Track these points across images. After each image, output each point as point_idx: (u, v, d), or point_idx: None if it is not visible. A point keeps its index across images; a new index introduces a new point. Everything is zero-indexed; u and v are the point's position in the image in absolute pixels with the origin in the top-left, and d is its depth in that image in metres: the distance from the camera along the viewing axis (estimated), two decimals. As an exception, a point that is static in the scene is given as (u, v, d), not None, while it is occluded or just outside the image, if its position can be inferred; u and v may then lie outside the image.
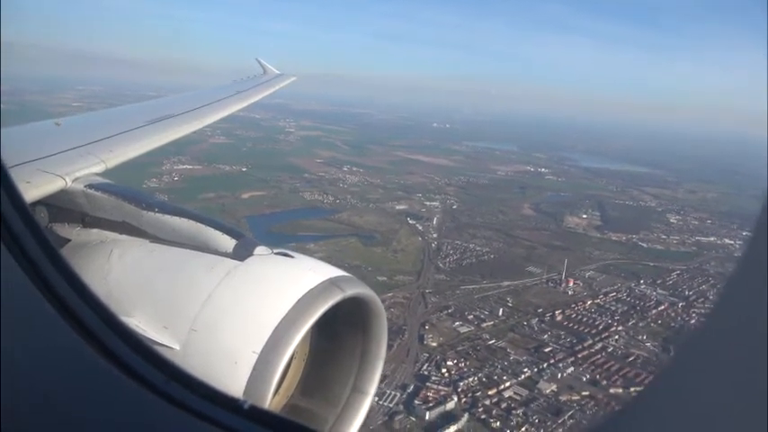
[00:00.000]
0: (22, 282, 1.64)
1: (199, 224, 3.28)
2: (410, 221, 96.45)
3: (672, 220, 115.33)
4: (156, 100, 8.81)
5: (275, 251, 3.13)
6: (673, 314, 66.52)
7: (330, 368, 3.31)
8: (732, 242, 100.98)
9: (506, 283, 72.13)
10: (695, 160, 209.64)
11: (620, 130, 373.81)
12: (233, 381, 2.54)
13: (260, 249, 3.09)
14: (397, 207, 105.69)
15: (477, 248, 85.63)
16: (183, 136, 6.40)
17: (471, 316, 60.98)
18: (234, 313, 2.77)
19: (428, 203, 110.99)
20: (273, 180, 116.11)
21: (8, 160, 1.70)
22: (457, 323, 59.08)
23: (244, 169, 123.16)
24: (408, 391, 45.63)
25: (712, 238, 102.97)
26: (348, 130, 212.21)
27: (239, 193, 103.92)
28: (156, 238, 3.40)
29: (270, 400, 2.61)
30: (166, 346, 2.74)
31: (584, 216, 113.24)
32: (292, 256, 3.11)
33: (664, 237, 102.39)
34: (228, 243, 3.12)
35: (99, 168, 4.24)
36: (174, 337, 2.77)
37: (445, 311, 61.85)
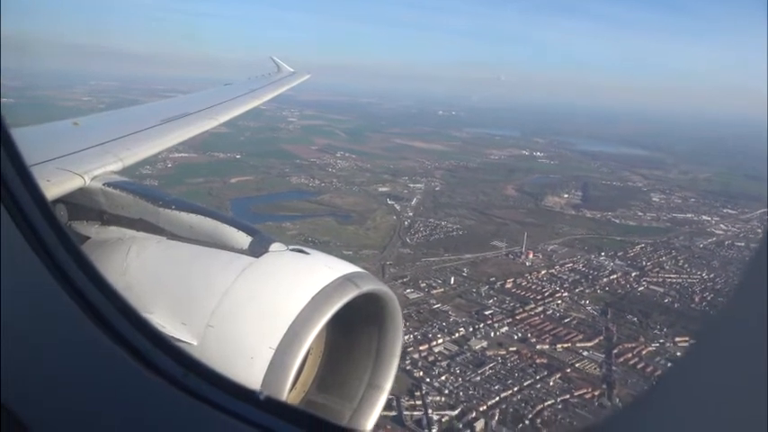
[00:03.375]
0: (44, 278, 1.68)
1: (215, 221, 3.31)
2: (389, 202, 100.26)
3: (654, 199, 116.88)
4: (172, 99, 8.97)
5: (291, 248, 3.17)
6: (623, 282, 69.34)
7: (345, 364, 3.31)
8: (709, 218, 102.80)
9: (468, 256, 75.67)
10: (698, 142, 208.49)
11: (626, 115, 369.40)
12: (249, 376, 2.56)
13: (275, 246, 3.13)
14: (381, 189, 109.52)
15: (449, 226, 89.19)
16: (198, 134, 6.50)
17: (424, 284, 64.79)
18: (250, 309, 2.78)
19: (412, 186, 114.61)
20: (264, 166, 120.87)
21: (28, 159, 1.80)
22: (408, 290, 62.96)
23: (238, 156, 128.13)
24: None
25: (690, 215, 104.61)
26: (350, 119, 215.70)
27: (228, 178, 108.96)
28: (173, 236, 3.44)
29: (286, 396, 2.62)
30: (184, 342, 2.76)
31: (566, 195, 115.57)
32: (308, 253, 3.16)
33: (640, 214, 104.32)
34: (244, 240, 3.16)
35: (116, 167, 4.29)
36: (192, 332, 2.78)
37: (400, 280, 65.74)
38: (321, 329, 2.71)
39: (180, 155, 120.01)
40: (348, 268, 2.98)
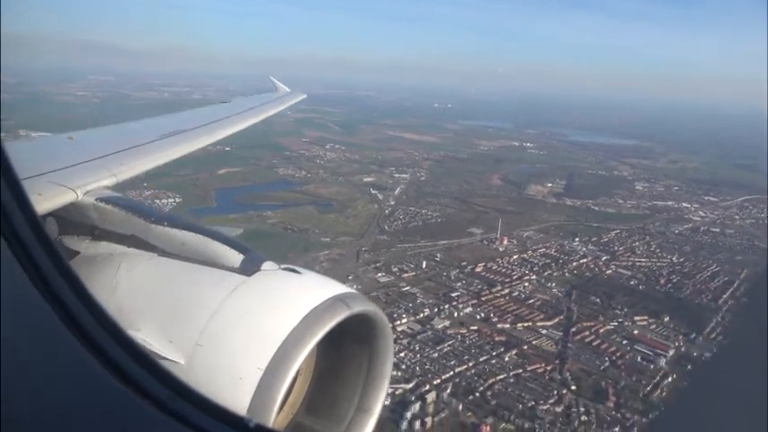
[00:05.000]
0: (30, 292, 1.64)
1: (207, 239, 3.32)
2: (372, 191, 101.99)
3: (638, 188, 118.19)
4: (168, 115, 9.14)
5: (282, 267, 3.17)
6: (592, 266, 70.97)
7: (335, 386, 3.27)
8: (689, 206, 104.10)
9: (443, 242, 77.41)
10: (691, 132, 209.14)
11: (622, 106, 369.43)
12: (237, 396, 2.53)
13: (267, 265, 3.12)
14: (366, 179, 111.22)
15: (429, 214, 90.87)
16: (194, 151, 6.49)
17: (396, 268, 66.55)
18: (240, 329, 2.77)
19: (397, 176, 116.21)
20: (253, 158, 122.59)
21: (21, 173, 1.74)
22: (380, 274, 64.77)
23: (227, 149, 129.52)
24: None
25: (670, 203, 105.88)
26: (344, 111, 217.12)
27: (216, 169, 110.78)
28: (164, 252, 3.42)
29: (274, 417, 2.58)
30: (172, 360, 2.74)
31: (549, 184, 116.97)
32: (299, 272, 3.15)
33: (621, 202, 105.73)
34: (236, 258, 3.15)
35: (110, 182, 4.28)
36: (180, 351, 2.76)
37: (373, 265, 67.57)
38: (311, 350, 2.68)
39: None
40: (339, 289, 2.97)
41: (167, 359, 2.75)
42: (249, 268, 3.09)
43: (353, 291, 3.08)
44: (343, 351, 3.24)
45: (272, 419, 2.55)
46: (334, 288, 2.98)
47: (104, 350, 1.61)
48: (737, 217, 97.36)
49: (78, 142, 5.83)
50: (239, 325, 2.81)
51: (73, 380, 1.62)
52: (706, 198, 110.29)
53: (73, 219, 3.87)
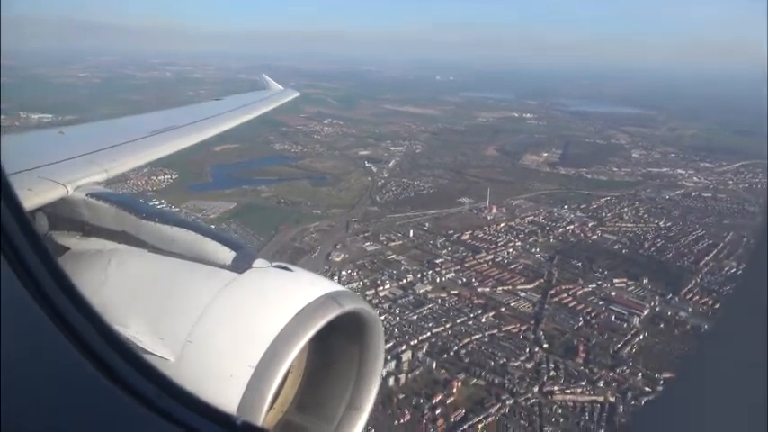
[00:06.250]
0: (17, 289, 1.63)
1: (198, 235, 3.31)
2: (367, 165, 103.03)
3: (634, 155, 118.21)
4: (159, 112, 9.33)
5: (274, 264, 3.16)
6: (578, 232, 72.01)
7: (326, 384, 3.28)
8: (683, 172, 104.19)
9: (432, 212, 78.74)
10: (693, 100, 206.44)
11: (626, 74, 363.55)
12: (228, 394, 2.53)
13: (259, 262, 3.12)
14: (361, 153, 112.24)
15: (421, 185, 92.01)
16: (185, 148, 6.60)
17: (383, 238, 68.09)
18: (230, 326, 2.78)
19: (393, 149, 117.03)
20: (250, 134, 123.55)
21: (10, 167, 1.77)
22: (368, 243, 66.34)
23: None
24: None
25: (665, 169, 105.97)
26: (344, 86, 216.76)
27: (213, 146, 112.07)
28: (155, 249, 3.42)
29: (264, 415, 2.59)
30: (161, 357, 2.74)
31: (545, 154, 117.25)
32: (291, 270, 3.14)
33: (615, 169, 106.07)
34: (227, 255, 3.14)
35: (101, 177, 4.29)
36: (170, 348, 2.76)
37: (362, 235, 69.14)
38: (302, 348, 2.68)
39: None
40: (331, 286, 2.99)
41: (157, 356, 2.75)
42: (240, 265, 3.08)
43: (345, 289, 3.09)
44: (334, 349, 3.23)
45: (262, 417, 2.56)
46: (326, 286, 2.97)
47: (91, 347, 1.61)
48: (731, 182, 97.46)
49: (70, 138, 5.87)
50: (230, 322, 2.81)
51: (60, 377, 1.63)
52: (702, 164, 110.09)
53: (63, 214, 3.85)
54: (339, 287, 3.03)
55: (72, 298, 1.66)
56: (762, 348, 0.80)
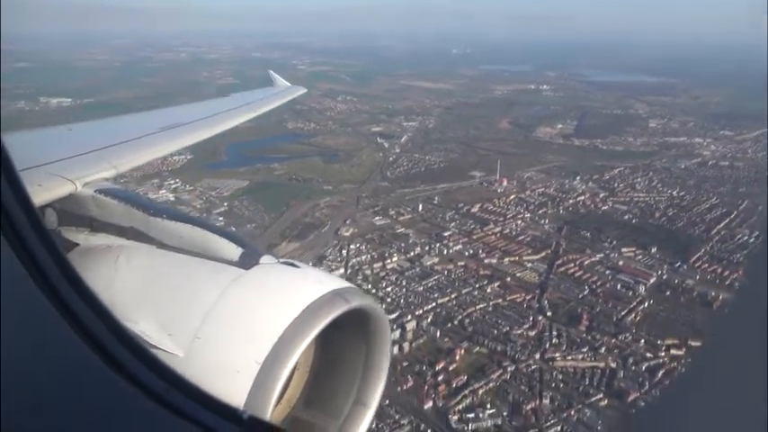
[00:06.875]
0: (26, 284, 1.63)
1: (205, 232, 3.33)
2: (379, 140, 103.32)
3: (651, 125, 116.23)
4: (167, 108, 9.41)
5: (281, 261, 3.18)
6: (588, 202, 71.73)
7: (333, 380, 3.29)
8: (701, 141, 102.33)
9: (442, 186, 79.02)
10: (720, 67, 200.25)
11: (654, 42, 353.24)
12: (235, 390, 2.55)
13: (265, 258, 3.14)
14: (374, 129, 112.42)
15: (432, 160, 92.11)
16: (193, 144, 6.74)
17: (393, 212, 68.79)
18: (238, 322, 2.80)
19: (406, 124, 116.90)
20: (263, 113, 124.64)
21: (20, 163, 1.72)
22: (377, 218, 67.14)
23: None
24: (306, 266, 54.80)
25: (682, 138, 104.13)
26: (360, 63, 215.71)
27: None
28: (162, 245, 3.45)
29: (271, 411, 2.61)
30: (170, 353, 2.76)
31: (559, 126, 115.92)
32: (298, 266, 3.16)
33: (631, 140, 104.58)
34: (234, 251, 3.17)
35: (110, 173, 4.34)
36: (178, 344, 2.78)
37: (371, 210, 69.94)
38: (309, 344, 2.70)
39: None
40: (338, 283, 3.01)
41: (166, 352, 2.78)
42: (247, 262, 3.11)
43: (352, 285, 3.10)
44: (340, 345, 3.24)
45: (269, 413, 2.59)
46: (333, 282, 3.00)
47: (100, 342, 1.62)
48: (750, 150, 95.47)
49: (79, 134, 5.93)
50: (237, 318, 2.82)
51: (69, 371, 1.65)
52: (721, 132, 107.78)
53: (72, 210, 3.88)
54: (346, 284, 3.05)
55: (81, 293, 1.70)
56: (762, 348, 0.79)
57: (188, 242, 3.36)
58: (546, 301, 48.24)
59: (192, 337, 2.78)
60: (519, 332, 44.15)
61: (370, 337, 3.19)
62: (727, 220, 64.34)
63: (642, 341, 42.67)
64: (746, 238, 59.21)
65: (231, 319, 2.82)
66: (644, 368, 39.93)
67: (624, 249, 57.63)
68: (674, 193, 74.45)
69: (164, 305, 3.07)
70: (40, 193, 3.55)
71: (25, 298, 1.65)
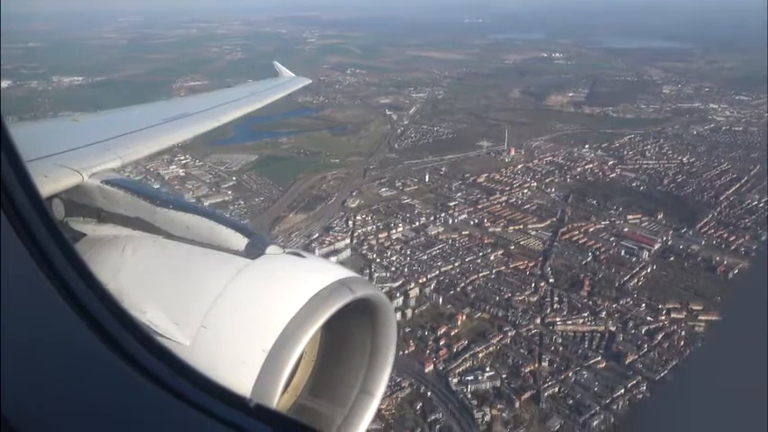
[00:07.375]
0: (35, 275, 1.65)
1: (212, 222, 3.34)
2: (387, 112, 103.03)
3: (665, 91, 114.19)
4: (172, 100, 9.26)
5: (287, 251, 3.20)
6: (596, 170, 71.29)
7: (338, 369, 3.33)
8: (716, 106, 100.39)
9: (450, 156, 78.98)
10: (739, 30, 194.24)
11: (672, 5, 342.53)
12: (241, 378, 2.59)
13: (271, 249, 3.16)
14: (382, 101, 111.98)
15: (440, 130, 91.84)
16: (198, 135, 6.86)
17: (399, 183, 69.15)
18: (244, 311, 2.83)
19: (415, 95, 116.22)
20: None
21: (26, 155, 1.73)
22: (383, 189, 67.59)
23: (249, 81, 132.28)
24: (312, 237, 55.76)
25: (696, 104, 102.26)
26: (369, 34, 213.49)
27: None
28: (169, 235, 3.48)
29: (278, 399, 2.65)
30: (177, 342, 2.80)
31: (570, 94, 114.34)
32: (304, 256, 3.19)
33: (643, 106, 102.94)
34: (240, 241, 3.19)
35: (115, 164, 4.37)
36: (185, 333, 2.82)
37: (378, 181, 70.35)
38: (315, 333, 2.74)
39: (195, 83, 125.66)
40: (343, 273, 3.02)
41: (172, 341, 2.81)
42: (253, 252, 3.14)
43: (357, 275, 3.13)
44: (346, 334, 3.28)
45: (275, 401, 2.62)
46: (338, 272, 3.02)
47: (108, 331, 1.65)
48: (766, 114, 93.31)
49: (84, 125, 5.96)
50: (243, 308, 2.85)
51: (77, 360, 1.67)
52: (737, 98, 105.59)
53: (79, 201, 3.92)
54: (351, 273, 3.07)
55: (89, 284, 1.72)
56: (762, 348, 0.80)
57: (194, 232, 3.39)
58: (549, 268, 48.64)
59: (198, 326, 2.81)
60: (521, 298, 44.74)
61: (376, 326, 3.23)
62: (737, 186, 63.69)
63: (643, 305, 43.02)
64: (755, 203, 58.67)
65: (237, 309, 2.85)
66: (643, 331, 40.38)
67: (630, 216, 57.52)
68: (685, 159, 73.63)
69: (170, 295, 3.10)
70: (47, 185, 3.60)
71: (34, 289, 1.68)
